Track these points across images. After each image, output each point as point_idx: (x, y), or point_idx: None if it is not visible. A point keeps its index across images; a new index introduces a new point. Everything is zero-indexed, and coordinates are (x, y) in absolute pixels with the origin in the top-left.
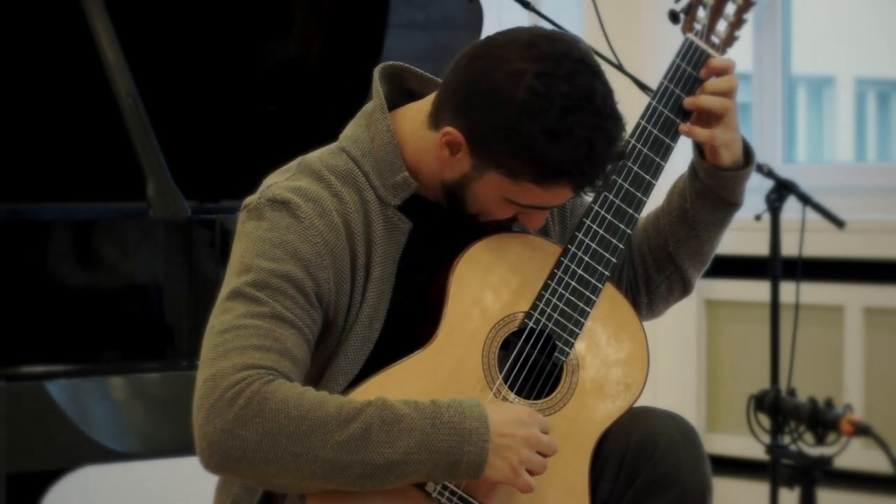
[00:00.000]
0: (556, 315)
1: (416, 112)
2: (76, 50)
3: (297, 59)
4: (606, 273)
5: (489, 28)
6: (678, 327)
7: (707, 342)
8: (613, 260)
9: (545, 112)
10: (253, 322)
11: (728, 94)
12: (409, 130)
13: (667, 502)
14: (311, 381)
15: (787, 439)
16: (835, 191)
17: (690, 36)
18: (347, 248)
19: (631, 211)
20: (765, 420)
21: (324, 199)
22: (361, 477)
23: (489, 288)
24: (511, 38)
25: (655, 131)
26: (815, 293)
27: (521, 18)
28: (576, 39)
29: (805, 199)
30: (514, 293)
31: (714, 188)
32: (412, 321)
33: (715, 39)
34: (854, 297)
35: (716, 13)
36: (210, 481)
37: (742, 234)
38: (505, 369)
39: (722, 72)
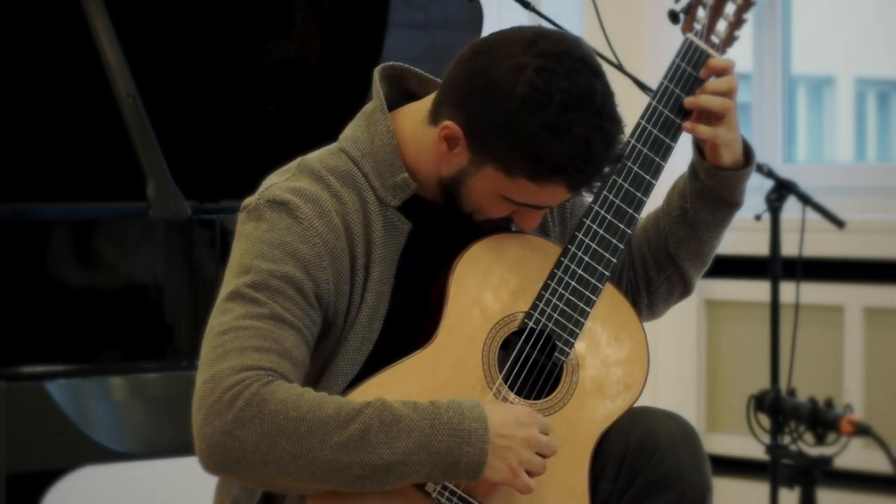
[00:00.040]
0: (556, 315)
1: (416, 112)
2: (76, 50)
3: (297, 59)
4: (606, 273)
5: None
6: (678, 327)
7: (707, 342)
8: (613, 260)
9: (545, 107)
10: (252, 323)
11: (728, 94)
12: (409, 130)
13: (667, 502)
14: (311, 381)
15: (787, 439)
16: (835, 191)
17: (690, 36)
18: (347, 249)
19: (631, 211)
20: (765, 420)
21: (323, 199)
22: (360, 478)
23: (489, 288)
24: (513, 35)
25: (655, 131)
26: (815, 293)
27: (521, 18)
28: (578, 40)
29: (805, 199)
30: (513, 293)
31: (714, 188)
32: (411, 321)
33: (715, 39)
34: (854, 297)
35: (715, 13)
36: (210, 481)
37: (742, 234)
38: (505, 369)
39: (722, 72)
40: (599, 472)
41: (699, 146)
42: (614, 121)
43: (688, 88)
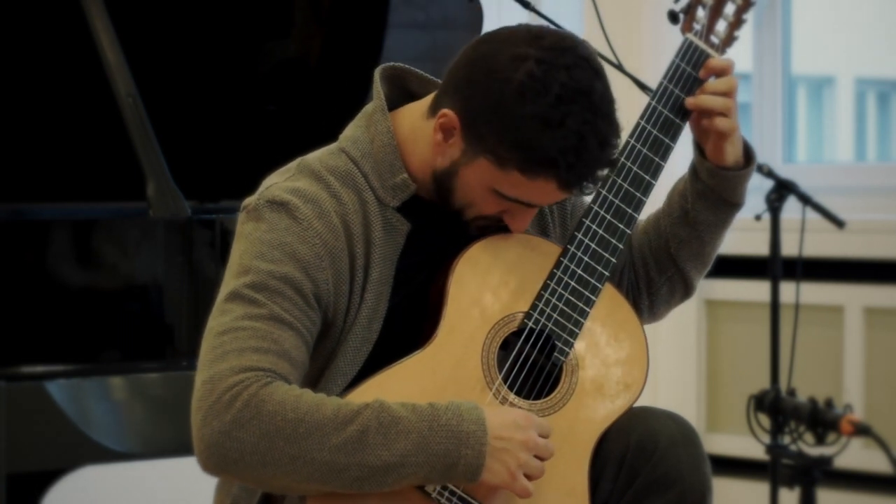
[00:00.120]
0: (555, 315)
1: (416, 111)
2: (76, 50)
3: (297, 59)
4: (606, 273)
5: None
6: (678, 327)
7: (707, 342)
8: (613, 260)
9: (540, 97)
10: (251, 324)
11: (728, 94)
12: (409, 129)
13: (667, 502)
14: (310, 382)
15: (787, 439)
16: (835, 191)
17: (690, 36)
18: (346, 250)
19: (630, 211)
20: (765, 420)
21: (323, 200)
22: (359, 479)
23: (488, 288)
24: (520, 29)
25: (655, 131)
26: (815, 293)
27: (521, 18)
28: (584, 42)
29: (805, 199)
30: (513, 293)
31: (715, 188)
32: (411, 322)
33: (714, 39)
34: (854, 297)
35: (715, 13)
36: (209, 482)
37: (742, 234)
38: (504, 369)
39: (721, 72)
40: (599, 472)
41: (700, 146)
42: (610, 122)
43: (687, 88)
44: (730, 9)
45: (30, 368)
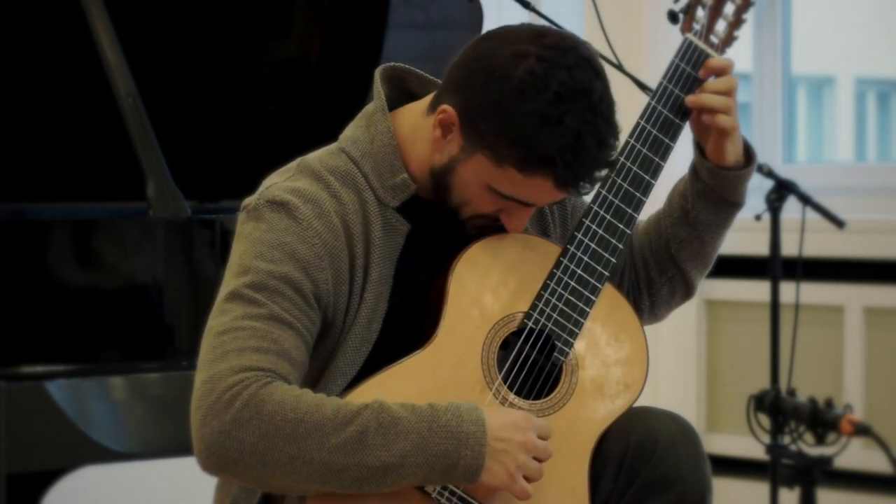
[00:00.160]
0: (555, 315)
1: (416, 111)
2: (76, 50)
3: (297, 59)
4: (606, 273)
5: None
6: (678, 327)
7: (707, 342)
8: (613, 260)
9: (539, 95)
10: (251, 324)
11: (728, 93)
12: (409, 128)
13: (667, 502)
14: (310, 382)
15: (787, 439)
16: (835, 191)
17: (689, 36)
18: (346, 250)
19: (630, 211)
20: (765, 420)
21: (322, 200)
22: (358, 480)
23: (488, 288)
24: (522, 27)
25: (654, 131)
26: (815, 293)
27: (521, 18)
28: (587, 43)
29: (805, 199)
30: (513, 293)
31: (716, 188)
32: (411, 322)
33: (714, 39)
34: (854, 297)
35: (715, 13)
36: (209, 481)
37: (742, 234)
38: (504, 369)
39: (721, 71)
40: (599, 472)
41: (700, 146)
42: (609, 123)
43: (687, 88)
44: (729, 9)
45: (30, 368)
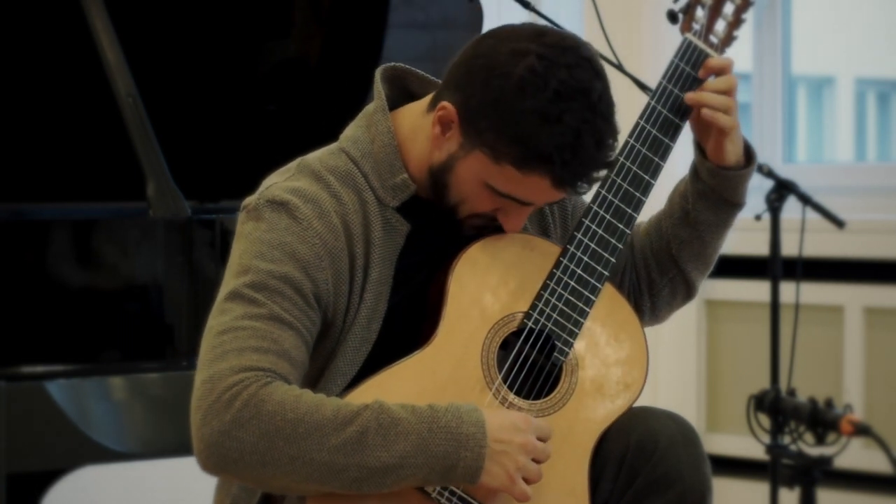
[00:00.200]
0: (555, 315)
1: (416, 111)
2: (76, 50)
3: (297, 59)
4: (606, 273)
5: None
6: (678, 327)
7: (707, 342)
8: (612, 260)
9: (539, 92)
10: (251, 323)
11: (727, 92)
12: (409, 128)
13: (667, 502)
14: (310, 382)
15: (787, 439)
16: (835, 191)
17: (689, 36)
18: (346, 250)
19: (630, 211)
20: (765, 420)
21: (322, 199)
22: (358, 480)
23: (488, 288)
24: (524, 26)
25: (654, 131)
26: (815, 293)
27: (521, 18)
28: (588, 44)
29: (805, 199)
30: (513, 293)
31: (716, 188)
32: (411, 322)
33: (713, 39)
34: (854, 297)
35: (714, 13)
36: (209, 481)
37: (742, 234)
38: (504, 369)
39: (720, 71)
40: (599, 472)
41: (701, 146)
42: (608, 123)
43: (686, 88)
44: (729, 8)
45: (30, 368)
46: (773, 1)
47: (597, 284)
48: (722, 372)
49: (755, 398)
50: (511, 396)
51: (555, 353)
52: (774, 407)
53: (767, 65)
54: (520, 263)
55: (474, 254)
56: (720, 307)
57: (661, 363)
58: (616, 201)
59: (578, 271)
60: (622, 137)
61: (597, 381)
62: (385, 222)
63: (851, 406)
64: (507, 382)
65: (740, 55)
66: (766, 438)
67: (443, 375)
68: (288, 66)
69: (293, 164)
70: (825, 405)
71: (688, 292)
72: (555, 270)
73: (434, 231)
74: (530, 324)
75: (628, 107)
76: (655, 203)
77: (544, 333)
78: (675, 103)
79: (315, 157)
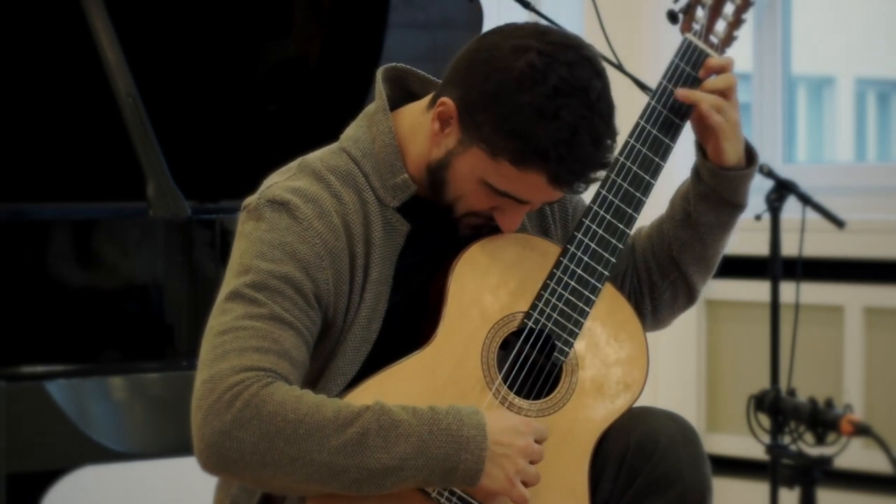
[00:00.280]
0: (555, 315)
1: (417, 110)
2: (76, 50)
3: (297, 59)
4: (606, 273)
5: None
6: (678, 327)
7: (707, 342)
8: (613, 260)
9: (538, 87)
10: (252, 323)
11: (727, 91)
12: (409, 128)
13: (667, 502)
14: (310, 382)
15: (787, 439)
16: (835, 191)
17: (689, 36)
18: (346, 249)
19: (630, 211)
20: (765, 420)
21: (323, 199)
22: (357, 481)
23: (488, 288)
24: (526, 24)
25: (654, 131)
26: (815, 293)
27: (521, 18)
28: (589, 45)
29: (805, 199)
30: (513, 293)
31: (717, 189)
32: (411, 322)
33: (713, 39)
34: (854, 297)
35: (714, 13)
36: (209, 481)
37: (742, 234)
38: (504, 369)
39: (720, 71)
40: (599, 472)
41: (702, 147)
42: (607, 122)
43: (687, 88)
44: (729, 8)
45: (30, 368)
46: (773, 1)
47: (597, 284)
48: (722, 372)
49: (755, 398)
50: (511, 396)
51: (555, 353)
52: (774, 407)
53: (767, 65)
54: (520, 263)
55: (474, 254)
56: (720, 307)
57: (661, 363)
58: (616, 201)
59: (579, 271)
60: (622, 137)
61: (597, 381)
62: (385, 222)
63: (851, 406)
64: (508, 382)
65: (740, 55)
66: (766, 438)
67: (443, 375)
68: (288, 66)
69: (294, 164)
70: (825, 405)
71: (689, 296)
72: (555, 270)
73: (434, 231)
74: (530, 324)
75: (628, 107)
76: (655, 203)
77: (544, 333)
78: (675, 103)
79: (316, 156)
